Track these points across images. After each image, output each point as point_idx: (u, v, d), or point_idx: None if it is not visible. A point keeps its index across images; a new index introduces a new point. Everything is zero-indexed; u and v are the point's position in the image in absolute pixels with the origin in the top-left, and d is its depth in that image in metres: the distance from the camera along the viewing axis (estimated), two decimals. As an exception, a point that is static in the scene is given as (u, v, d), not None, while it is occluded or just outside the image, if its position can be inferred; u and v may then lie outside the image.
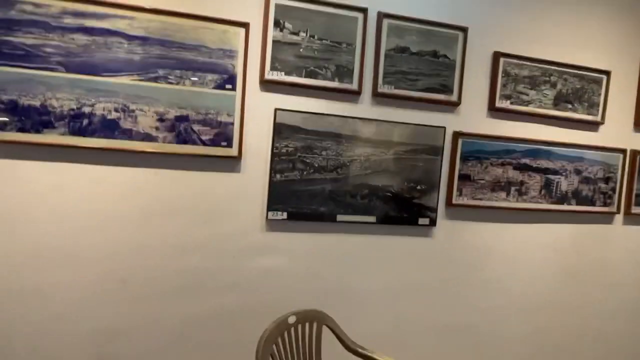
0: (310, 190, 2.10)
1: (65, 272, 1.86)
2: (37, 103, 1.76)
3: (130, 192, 1.91)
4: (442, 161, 2.29)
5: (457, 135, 2.30)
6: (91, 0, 1.79)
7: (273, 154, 2.04)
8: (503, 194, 2.41)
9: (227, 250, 2.05)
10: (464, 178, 2.33)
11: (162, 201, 1.95)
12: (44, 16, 1.75)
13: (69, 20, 1.78)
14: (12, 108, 1.74)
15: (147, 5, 1.85)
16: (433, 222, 2.30)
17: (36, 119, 1.77)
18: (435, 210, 2.30)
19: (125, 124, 1.86)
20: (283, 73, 2.04)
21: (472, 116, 2.35)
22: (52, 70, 1.77)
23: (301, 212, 2.10)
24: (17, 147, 1.77)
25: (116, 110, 1.85)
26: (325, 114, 2.11)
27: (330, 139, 2.12)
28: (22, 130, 1.76)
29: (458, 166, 2.31)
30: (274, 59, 2.02)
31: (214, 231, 2.02)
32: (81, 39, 1.79)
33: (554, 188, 2.50)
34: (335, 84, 2.11)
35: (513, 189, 2.42)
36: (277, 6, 2.00)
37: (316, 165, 2.11)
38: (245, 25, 1.97)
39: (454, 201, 2.32)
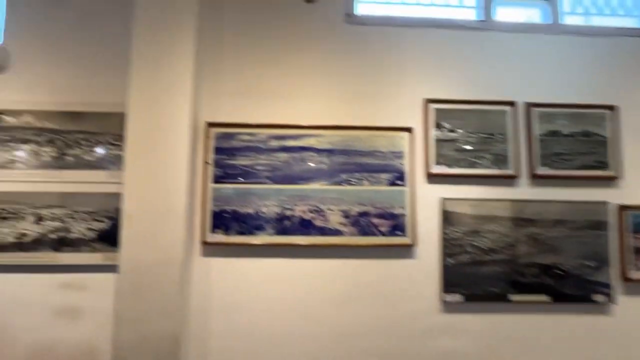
0: (481, 272, 2.23)
1: (272, 357, 2.14)
2: (251, 211, 2.18)
3: (324, 282, 2.20)
4: (608, 235, 2.30)
5: (622, 208, 2.31)
6: (289, 125, 2.25)
7: (443, 240, 2.23)
8: (684, 266, 2.31)
9: (407, 333, 2.20)
10: (638, 251, 2.29)
11: (349, 288, 2.20)
12: (256, 142, 2.22)
13: (273, 143, 2.23)
14: (234, 217, 2.17)
15: (331, 124, 2.26)
16: (610, 299, 2.26)
17: (251, 223, 2.18)
18: (608, 286, 2.26)
19: (318, 222, 2.20)
20: (446, 166, 2.28)
21: (634, 188, 2.36)
22: (262, 183, 2.20)
23: (474, 293, 2.21)
24: (237, 248, 2.18)
25: (310, 211, 2.20)
26: (487, 199, 2.28)
27: (495, 222, 2.26)
28: (240, 233, 2.17)
29: (631, 239, 2.29)
30: (437, 154, 2.28)
31: (395, 314, 2.20)
32: (282, 156, 2.23)
33: None
34: (493, 171, 2.30)
35: (695, 259, 2.31)
36: (436, 110, 2.31)
37: (484, 247, 2.24)
38: (409, 130, 2.28)
39: (631, 275, 2.27)
